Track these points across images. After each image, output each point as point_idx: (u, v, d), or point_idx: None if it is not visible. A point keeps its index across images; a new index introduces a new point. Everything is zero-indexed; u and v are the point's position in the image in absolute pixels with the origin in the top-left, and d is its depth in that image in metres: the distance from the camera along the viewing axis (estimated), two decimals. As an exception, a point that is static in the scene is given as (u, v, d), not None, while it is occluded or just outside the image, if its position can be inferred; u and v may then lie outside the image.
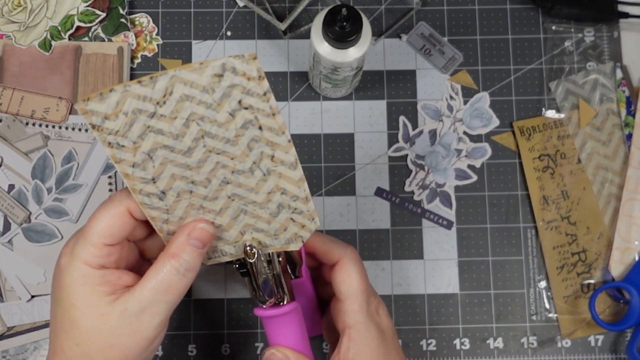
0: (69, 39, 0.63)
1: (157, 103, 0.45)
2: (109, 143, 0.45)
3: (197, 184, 0.47)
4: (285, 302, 0.49)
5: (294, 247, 0.48)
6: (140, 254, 0.48)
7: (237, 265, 0.49)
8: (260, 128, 0.46)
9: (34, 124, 0.61)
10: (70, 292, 0.42)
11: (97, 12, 0.63)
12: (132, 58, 0.63)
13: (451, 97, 0.63)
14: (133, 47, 0.63)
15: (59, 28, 0.63)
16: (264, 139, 0.47)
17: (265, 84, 0.45)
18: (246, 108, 0.46)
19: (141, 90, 0.45)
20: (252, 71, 0.45)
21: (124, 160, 0.46)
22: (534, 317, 0.61)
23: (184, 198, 0.47)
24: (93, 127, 0.45)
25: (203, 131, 0.46)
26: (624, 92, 0.63)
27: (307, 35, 0.63)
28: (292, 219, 0.48)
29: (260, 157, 0.47)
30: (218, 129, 0.46)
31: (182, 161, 0.46)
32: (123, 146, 0.46)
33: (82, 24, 0.63)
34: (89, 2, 0.63)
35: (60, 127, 0.61)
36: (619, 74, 0.63)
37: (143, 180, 0.46)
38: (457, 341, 0.60)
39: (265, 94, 0.45)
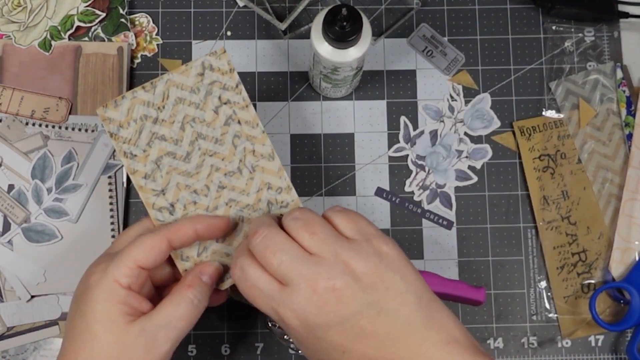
0: (69, 39, 0.63)
1: (158, 108, 0.48)
2: (125, 153, 0.48)
3: (199, 193, 0.49)
4: None
5: None
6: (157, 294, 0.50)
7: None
8: (239, 122, 0.49)
9: (33, 124, 0.61)
10: (96, 307, 0.44)
11: (97, 12, 0.63)
12: (132, 58, 0.63)
13: (452, 98, 0.63)
14: (133, 47, 0.63)
15: (59, 28, 0.63)
16: (244, 134, 0.49)
17: (236, 76, 0.49)
18: (225, 103, 0.49)
19: (145, 96, 0.48)
20: (224, 65, 0.49)
21: (138, 171, 0.48)
22: (534, 317, 0.61)
23: (190, 211, 0.49)
24: (111, 135, 0.48)
25: (196, 133, 0.49)
26: (624, 92, 0.63)
27: (307, 35, 0.63)
28: (282, 215, 0.49)
29: (244, 153, 0.49)
30: (207, 129, 0.49)
31: (183, 168, 0.49)
32: (136, 155, 0.48)
33: (82, 24, 0.63)
34: (89, 2, 0.63)
35: (60, 127, 0.61)
36: (619, 73, 0.63)
37: (154, 193, 0.48)
38: (457, 341, 0.60)
39: (237, 85, 0.49)
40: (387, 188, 0.62)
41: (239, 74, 0.63)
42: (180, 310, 0.45)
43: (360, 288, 0.42)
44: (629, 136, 0.62)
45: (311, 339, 0.43)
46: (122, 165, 0.59)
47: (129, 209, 0.61)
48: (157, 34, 0.64)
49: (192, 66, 0.49)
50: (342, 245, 0.43)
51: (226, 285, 0.50)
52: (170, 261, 0.49)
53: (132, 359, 0.44)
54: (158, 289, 0.50)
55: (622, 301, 0.60)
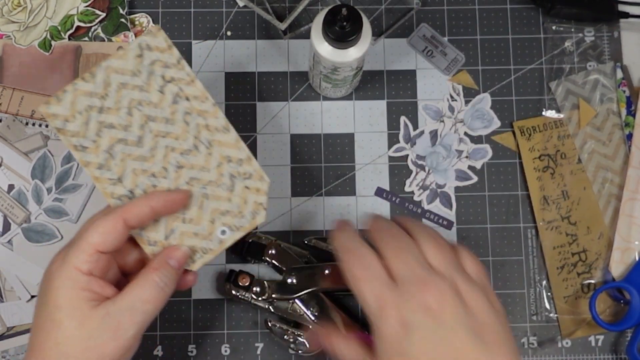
0: (69, 39, 0.63)
1: (102, 97, 0.48)
2: (75, 146, 0.48)
3: (158, 176, 0.48)
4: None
5: (260, 218, 0.49)
6: (120, 270, 0.50)
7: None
8: (187, 99, 0.49)
9: (33, 124, 0.61)
10: (58, 294, 0.44)
11: (97, 12, 0.63)
12: (132, 58, 0.63)
13: (452, 98, 0.63)
14: (133, 47, 0.63)
15: (59, 28, 0.63)
16: (195, 110, 0.49)
17: (175, 51, 0.49)
18: (169, 81, 0.49)
19: (86, 86, 0.48)
20: (161, 43, 0.49)
21: (91, 163, 0.48)
22: (534, 317, 0.61)
23: None
24: (58, 130, 0.47)
25: (145, 116, 0.48)
26: (624, 92, 0.63)
27: (307, 35, 0.63)
28: (246, 186, 0.49)
29: (198, 129, 0.49)
30: (156, 110, 0.48)
31: (137, 153, 0.48)
32: (86, 147, 0.48)
33: (82, 24, 0.63)
34: (89, 2, 0.63)
35: (60, 127, 0.61)
36: (619, 73, 0.63)
37: (111, 182, 0.48)
38: (457, 341, 0.60)
39: (178, 62, 0.49)
40: (387, 188, 0.62)
41: (239, 73, 0.64)
42: (146, 293, 0.45)
43: (464, 311, 0.42)
44: (629, 136, 0.62)
45: (396, 345, 0.42)
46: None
47: (129, 209, 0.61)
48: (157, 34, 0.64)
49: (129, 49, 0.48)
50: (460, 274, 0.44)
51: (197, 266, 0.49)
52: (139, 248, 0.49)
53: (98, 344, 0.44)
54: (129, 277, 0.49)
55: (622, 301, 0.60)
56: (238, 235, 0.49)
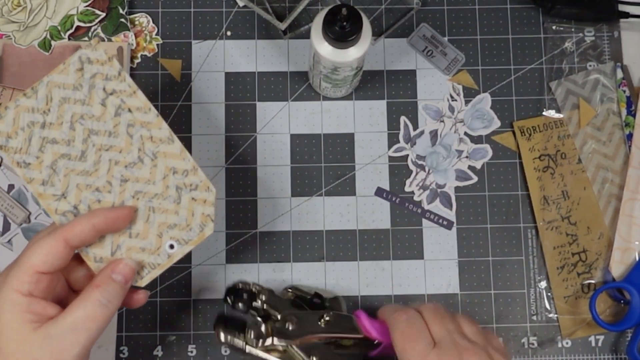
0: (69, 39, 0.63)
1: (44, 112, 0.48)
2: (17, 163, 0.47)
3: (102, 191, 0.48)
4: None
5: (208, 230, 0.49)
6: (68, 286, 0.49)
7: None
8: (129, 110, 0.48)
9: (33, 124, 0.61)
10: (0, 319, 0.43)
11: (97, 12, 0.63)
12: (132, 58, 0.63)
13: (452, 98, 0.63)
14: (133, 47, 0.63)
15: (59, 28, 0.63)
16: (138, 121, 0.48)
17: (116, 64, 0.48)
18: (111, 93, 0.48)
19: (28, 102, 0.48)
20: (101, 55, 0.48)
21: (34, 179, 0.48)
22: (534, 318, 0.61)
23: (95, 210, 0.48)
24: (1, 148, 0.47)
25: (88, 130, 0.48)
26: (624, 92, 0.63)
27: (307, 35, 0.63)
28: (193, 198, 0.49)
29: (141, 141, 0.48)
30: (98, 124, 0.48)
31: (81, 168, 0.48)
32: (29, 164, 0.47)
33: (81, 24, 0.63)
34: (89, 2, 0.63)
35: (60, 127, 0.61)
36: (620, 73, 0.63)
37: (55, 197, 0.48)
38: (457, 341, 0.60)
39: (119, 73, 0.48)
40: (387, 188, 0.62)
41: (239, 73, 0.64)
42: (87, 312, 0.44)
43: None
44: (629, 136, 0.62)
45: None
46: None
47: (129, 209, 0.61)
48: (157, 34, 0.64)
49: (69, 63, 0.48)
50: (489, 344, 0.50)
51: (145, 281, 0.48)
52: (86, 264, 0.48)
53: None
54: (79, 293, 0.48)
55: (622, 301, 0.60)
56: (187, 249, 0.49)
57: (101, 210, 0.47)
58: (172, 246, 0.48)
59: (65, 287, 0.48)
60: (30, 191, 0.48)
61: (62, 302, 0.46)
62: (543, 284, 0.61)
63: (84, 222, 0.45)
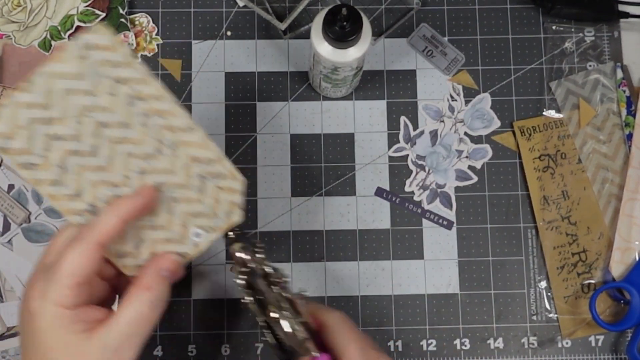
0: (69, 39, 0.63)
1: (44, 107, 0.43)
2: (22, 165, 0.43)
3: (120, 186, 0.45)
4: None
5: (236, 218, 0.47)
6: (110, 286, 0.48)
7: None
8: (143, 99, 0.44)
9: (33, 124, 0.61)
10: (47, 336, 0.42)
11: (97, 12, 0.63)
12: (132, 58, 0.63)
13: (452, 98, 0.63)
14: (133, 47, 0.63)
15: (59, 28, 0.63)
16: (153, 110, 0.44)
17: (124, 48, 0.43)
18: (121, 82, 0.43)
19: (25, 97, 0.43)
20: (104, 40, 0.43)
21: (43, 180, 0.44)
22: (534, 317, 0.61)
23: None
24: (2, 151, 0.43)
25: (97, 123, 0.44)
26: (624, 92, 0.63)
27: (307, 35, 0.63)
28: (219, 186, 0.46)
29: (159, 131, 0.45)
30: (108, 115, 0.44)
31: (93, 163, 0.44)
32: (36, 164, 0.44)
33: (82, 24, 0.63)
34: (89, 2, 0.63)
35: (60, 127, 0.61)
36: (620, 73, 0.63)
37: (69, 198, 0.44)
38: (457, 341, 0.60)
39: (128, 59, 0.43)
40: (387, 188, 0.62)
41: (239, 73, 0.64)
42: (140, 315, 0.43)
43: None
44: (629, 136, 0.62)
45: None
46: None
47: (129, 209, 0.61)
48: (157, 34, 0.64)
49: (66, 50, 0.43)
50: None
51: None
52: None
53: None
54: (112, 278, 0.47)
55: (622, 301, 0.60)
56: (214, 236, 0.47)
57: (123, 199, 0.44)
58: (198, 234, 0.46)
59: (106, 286, 0.47)
60: (44, 196, 0.44)
61: (100, 297, 0.45)
62: (543, 284, 0.61)
63: (111, 218, 0.43)
